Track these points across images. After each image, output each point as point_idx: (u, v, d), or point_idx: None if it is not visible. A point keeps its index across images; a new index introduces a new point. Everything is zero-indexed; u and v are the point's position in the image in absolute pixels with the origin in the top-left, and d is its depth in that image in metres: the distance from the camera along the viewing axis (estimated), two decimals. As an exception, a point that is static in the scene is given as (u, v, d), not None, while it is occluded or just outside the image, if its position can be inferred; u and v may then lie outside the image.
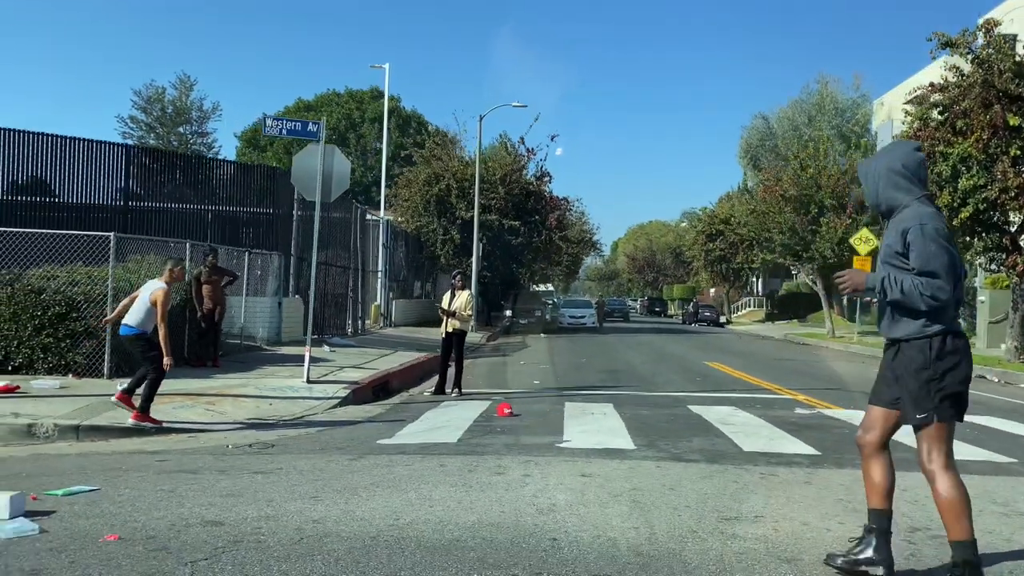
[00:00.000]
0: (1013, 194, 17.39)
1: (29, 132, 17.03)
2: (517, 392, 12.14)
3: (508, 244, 32.25)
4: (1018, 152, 17.39)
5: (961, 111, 18.23)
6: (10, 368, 10.58)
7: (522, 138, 34.31)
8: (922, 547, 4.38)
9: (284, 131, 11.59)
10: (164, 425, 8.12)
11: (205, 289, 12.75)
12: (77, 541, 4.17)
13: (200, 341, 12.78)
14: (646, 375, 15.64)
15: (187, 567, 3.80)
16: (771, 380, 14.79)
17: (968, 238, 19.28)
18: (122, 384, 8.35)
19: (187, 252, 12.66)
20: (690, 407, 10.46)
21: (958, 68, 18.61)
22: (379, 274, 27.08)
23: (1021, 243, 18.77)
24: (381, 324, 26.19)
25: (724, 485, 5.84)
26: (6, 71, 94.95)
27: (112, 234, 10.97)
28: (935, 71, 22.54)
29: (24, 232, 11.46)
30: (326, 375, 12.26)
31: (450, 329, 11.90)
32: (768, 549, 4.26)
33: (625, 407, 10.29)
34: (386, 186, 34.57)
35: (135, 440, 7.69)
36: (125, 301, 8.49)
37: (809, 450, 7.45)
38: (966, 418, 3.89)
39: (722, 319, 51.77)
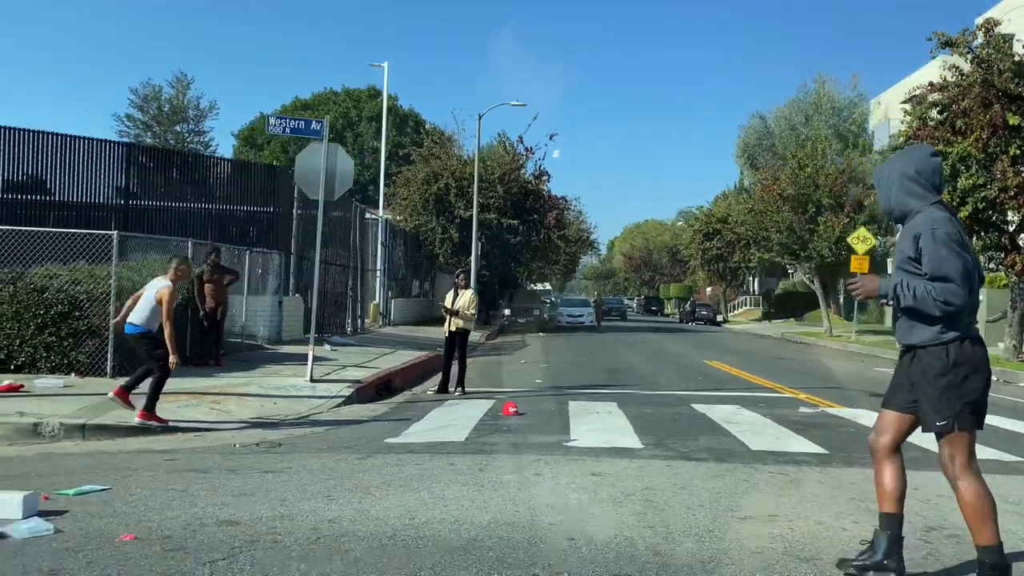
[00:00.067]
0: (1012, 193, 17.42)
1: (27, 130, 16.96)
2: (520, 391, 12.13)
3: (506, 243, 32.25)
4: (1017, 151, 17.42)
5: (960, 110, 18.25)
6: (12, 367, 10.54)
7: (520, 137, 34.47)
8: (939, 547, 4.38)
9: (287, 130, 11.55)
10: (170, 424, 8.09)
11: (207, 288, 12.72)
12: (93, 541, 4.16)
13: (202, 340, 12.74)
14: (647, 374, 15.64)
15: (206, 567, 3.79)
16: (772, 379, 14.81)
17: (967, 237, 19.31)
18: (123, 381, 8.34)
19: (189, 251, 12.61)
20: (694, 406, 10.47)
21: (958, 68, 18.65)
22: (378, 273, 27.06)
23: (1020, 242, 18.82)
24: (380, 323, 26.17)
25: (735, 484, 5.84)
26: (4, 71, 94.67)
27: (115, 233, 10.94)
28: (933, 71, 22.59)
29: (26, 230, 11.43)
30: (329, 374, 12.23)
31: (453, 328, 11.89)
32: (786, 548, 4.26)
33: (629, 406, 10.29)
34: (384, 185, 34.53)
35: (142, 439, 7.67)
36: (129, 301, 8.45)
37: (817, 449, 7.46)
38: None
39: (719, 318, 51.83)
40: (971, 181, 17.81)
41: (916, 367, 3.72)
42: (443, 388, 11.78)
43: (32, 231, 11.46)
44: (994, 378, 17.74)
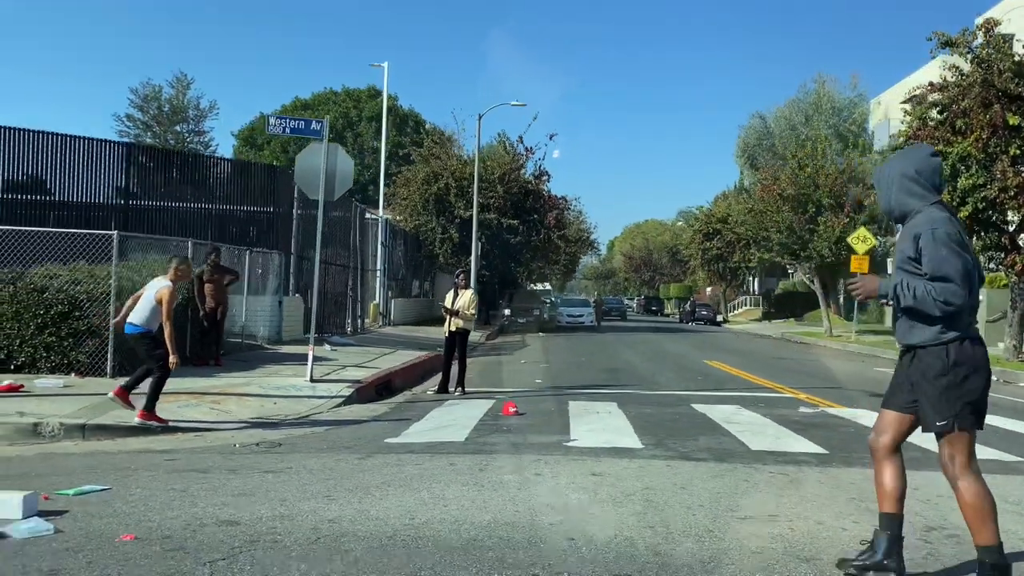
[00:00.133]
0: (1012, 193, 17.42)
1: (27, 130, 16.95)
2: (520, 391, 12.13)
3: (506, 243, 32.25)
4: (1017, 151, 17.42)
5: (960, 110, 18.25)
6: (12, 367, 10.54)
7: (521, 137, 34.48)
8: (939, 546, 4.38)
9: (288, 130, 11.55)
10: (170, 424, 8.09)
11: (208, 288, 12.72)
12: (93, 541, 4.16)
13: (202, 340, 12.74)
14: (647, 374, 15.64)
15: (206, 567, 3.79)
16: (771, 379, 14.81)
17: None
18: (123, 381, 8.34)
19: (189, 251, 12.61)
20: (694, 406, 10.47)
21: (958, 68, 18.65)
22: (377, 273, 27.06)
23: (1020, 242, 18.82)
24: (380, 323, 26.17)
25: (735, 484, 5.84)
26: (4, 71, 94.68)
27: (115, 232, 10.93)
28: (932, 71, 22.58)
29: (26, 230, 11.43)
30: (329, 374, 12.23)
31: (453, 328, 11.88)
32: (786, 548, 4.26)
33: (629, 406, 10.29)
34: (384, 185, 34.53)
35: (142, 439, 7.67)
36: (129, 301, 8.45)
37: (816, 449, 7.46)
38: None
39: (719, 318, 51.84)
40: (971, 181, 17.82)
41: (916, 367, 3.72)
42: (443, 388, 11.78)
43: (32, 231, 11.46)
44: (994, 378, 17.72)
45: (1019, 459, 7.22)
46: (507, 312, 36.32)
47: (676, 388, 12.95)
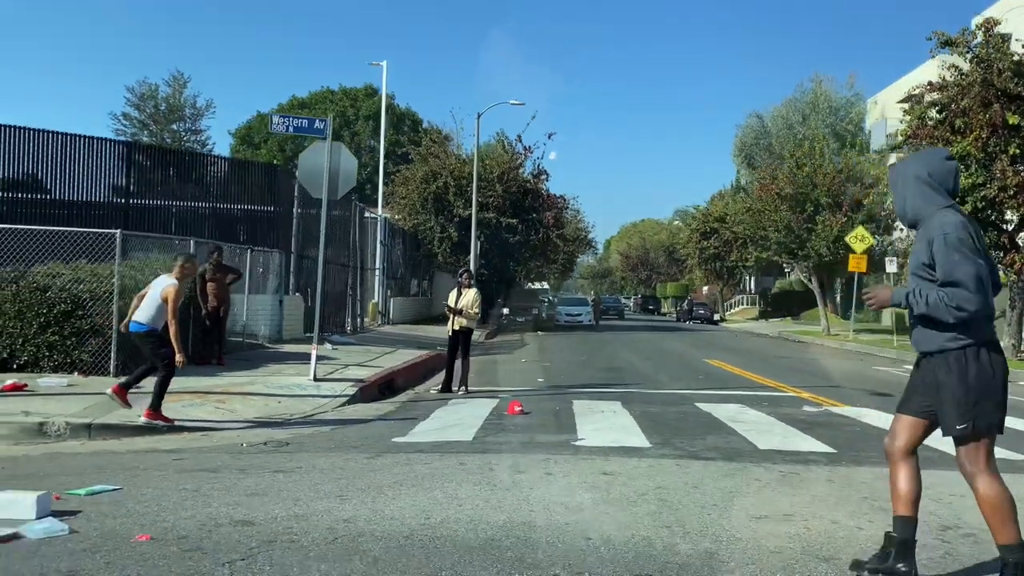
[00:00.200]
0: (1012, 192, 17.49)
1: (26, 128, 16.85)
2: (523, 390, 12.12)
3: (505, 242, 32.23)
4: (1017, 151, 17.48)
5: (960, 110, 18.30)
6: (15, 366, 10.50)
7: (519, 136, 34.32)
8: (956, 546, 4.39)
9: (291, 128, 11.51)
10: (176, 423, 8.07)
11: (210, 287, 12.68)
12: (110, 542, 4.14)
13: (204, 339, 12.70)
14: (648, 373, 15.65)
15: (225, 567, 3.77)
16: (773, 377, 14.82)
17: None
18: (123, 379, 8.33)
19: (191, 250, 12.57)
20: (698, 404, 10.47)
21: (957, 67, 18.69)
22: (377, 272, 27.02)
23: (1019, 241, 18.89)
24: (379, 322, 26.14)
25: (747, 483, 5.84)
26: (2, 70, 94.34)
27: (118, 231, 10.90)
28: (930, 70, 22.62)
29: (28, 229, 11.38)
30: (332, 373, 12.21)
31: (456, 327, 11.86)
32: (804, 548, 4.26)
33: (633, 405, 10.30)
34: (383, 183, 34.49)
35: (148, 438, 7.64)
36: (135, 300, 8.41)
37: (825, 448, 7.47)
38: None
39: (716, 317, 51.89)
40: (971, 180, 17.86)
41: (933, 373, 3.70)
42: (446, 387, 11.76)
43: (35, 230, 11.41)
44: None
45: (1026, 458, 7.23)
46: (505, 311, 36.31)
47: (678, 387, 12.95)
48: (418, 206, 31.98)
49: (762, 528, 4.62)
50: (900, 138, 21.16)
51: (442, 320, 12.03)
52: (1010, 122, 17.31)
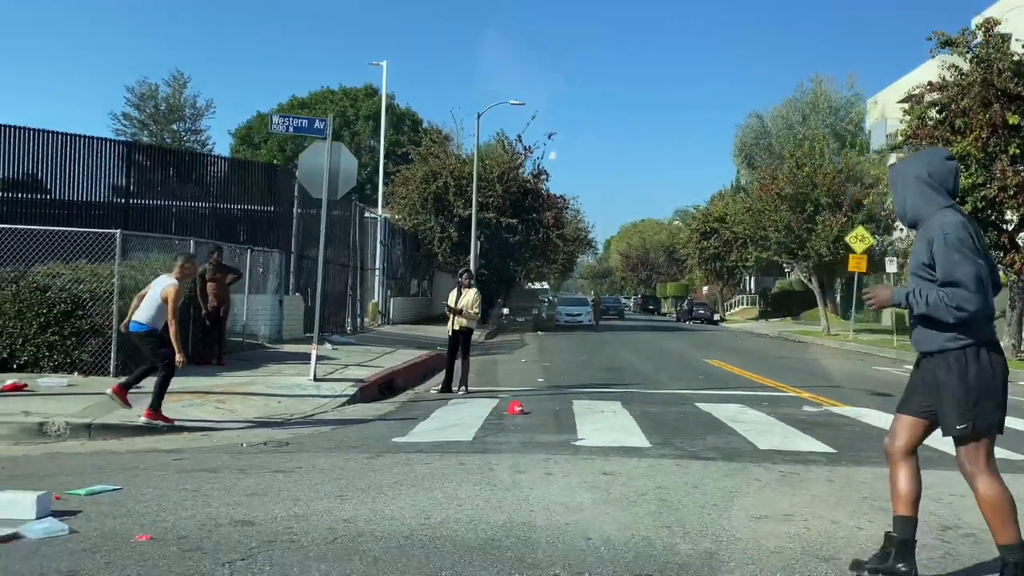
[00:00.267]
0: (1012, 192, 17.49)
1: (25, 128, 16.85)
2: (522, 390, 12.12)
3: (505, 242, 32.22)
4: (1017, 151, 17.48)
5: (960, 110, 18.29)
6: (15, 366, 10.50)
7: (519, 136, 34.29)
8: (956, 546, 4.39)
9: (291, 128, 11.51)
10: (176, 423, 8.07)
11: (210, 287, 12.68)
12: (110, 542, 4.14)
13: (204, 339, 12.70)
14: (648, 373, 15.65)
15: (225, 567, 3.77)
16: (773, 378, 14.82)
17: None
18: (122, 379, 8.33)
19: (191, 249, 12.57)
20: (698, 404, 10.47)
21: (957, 67, 18.68)
22: (376, 272, 27.02)
23: (1019, 241, 18.88)
24: (379, 322, 26.14)
25: (747, 483, 5.84)
26: (1, 68, 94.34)
27: (118, 231, 10.90)
28: (930, 70, 22.62)
29: (28, 229, 11.38)
30: (332, 373, 12.21)
31: (456, 327, 11.86)
32: (804, 548, 4.26)
33: (633, 405, 10.30)
34: (382, 183, 34.49)
35: (148, 438, 7.64)
36: (135, 300, 8.41)
37: (824, 448, 7.47)
38: None
39: (716, 317, 51.90)
40: (970, 180, 17.86)
41: (933, 373, 3.70)
42: (446, 387, 11.76)
43: (35, 229, 11.41)
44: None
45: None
46: (505, 311, 36.31)
47: (678, 387, 12.95)
48: (418, 206, 31.98)
49: (762, 528, 4.62)
50: (900, 138, 21.16)
51: (442, 320, 12.03)
52: (1010, 122, 17.31)
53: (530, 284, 57.99)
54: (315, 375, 11.21)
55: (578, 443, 7.47)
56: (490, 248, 31.97)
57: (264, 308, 16.69)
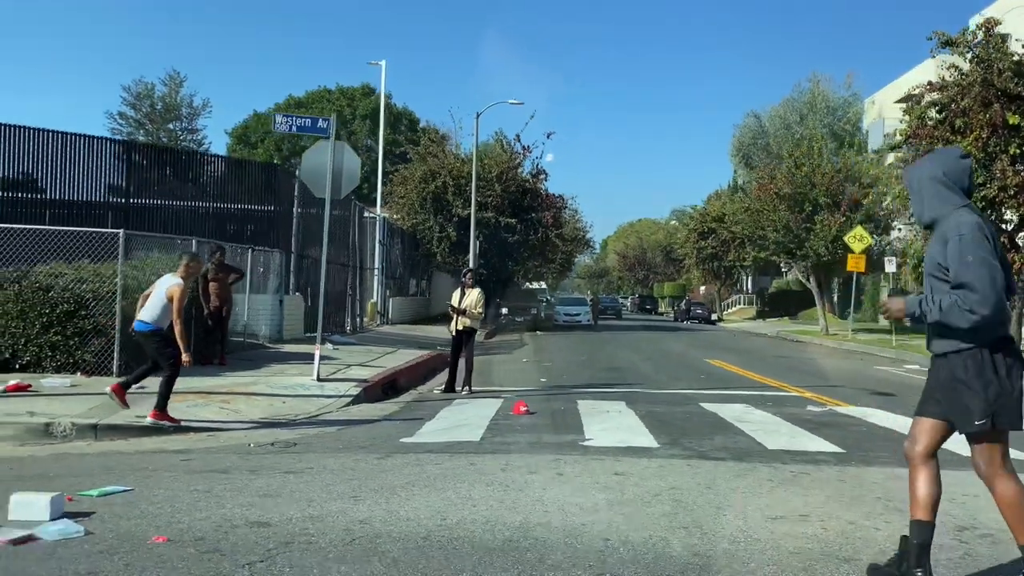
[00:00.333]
0: (1012, 192, 17.50)
1: (23, 127, 16.78)
2: (526, 390, 12.10)
3: (504, 242, 32.16)
4: (1017, 151, 17.48)
5: (960, 110, 18.30)
6: (17, 366, 10.44)
7: (518, 135, 34.17)
8: (975, 546, 4.38)
9: (294, 128, 11.47)
10: (182, 424, 8.03)
11: (212, 286, 12.64)
12: (126, 543, 4.11)
13: (206, 339, 12.64)
14: (650, 372, 15.65)
15: (244, 569, 3.75)
16: (775, 377, 14.82)
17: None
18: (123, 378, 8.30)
19: (194, 249, 12.51)
20: (702, 404, 10.47)
21: (957, 67, 18.70)
22: (375, 271, 26.98)
23: (1019, 241, 18.91)
24: (378, 322, 26.10)
25: (759, 483, 5.83)
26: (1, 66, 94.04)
27: (121, 231, 10.85)
28: (928, 70, 22.66)
29: (30, 229, 11.33)
30: (334, 373, 12.18)
31: (460, 327, 11.85)
32: (823, 549, 4.25)
33: (638, 404, 10.29)
34: (381, 183, 34.43)
35: (155, 439, 7.60)
36: (140, 300, 8.37)
37: (833, 448, 7.46)
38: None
39: (713, 316, 51.93)
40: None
41: (949, 372, 3.69)
42: (450, 387, 11.74)
43: (37, 229, 11.36)
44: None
45: (1035, 458, 7.22)
46: (504, 311, 36.29)
47: (681, 387, 12.95)
48: (417, 206, 31.91)
49: (779, 529, 4.61)
50: (900, 138, 21.16)
51: (441, 320, 12.03)
52: (1010, 122, 17.31)
53: (528, 284, 57.97)
54: (318, 375, 11.18)
55: (586, 443, 7.46)
56: (489, 248, 31.93)
57: (264, 308, 16.64)
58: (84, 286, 10.61)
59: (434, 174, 31.78)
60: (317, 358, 11.31)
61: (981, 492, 4.09)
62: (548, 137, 40.34)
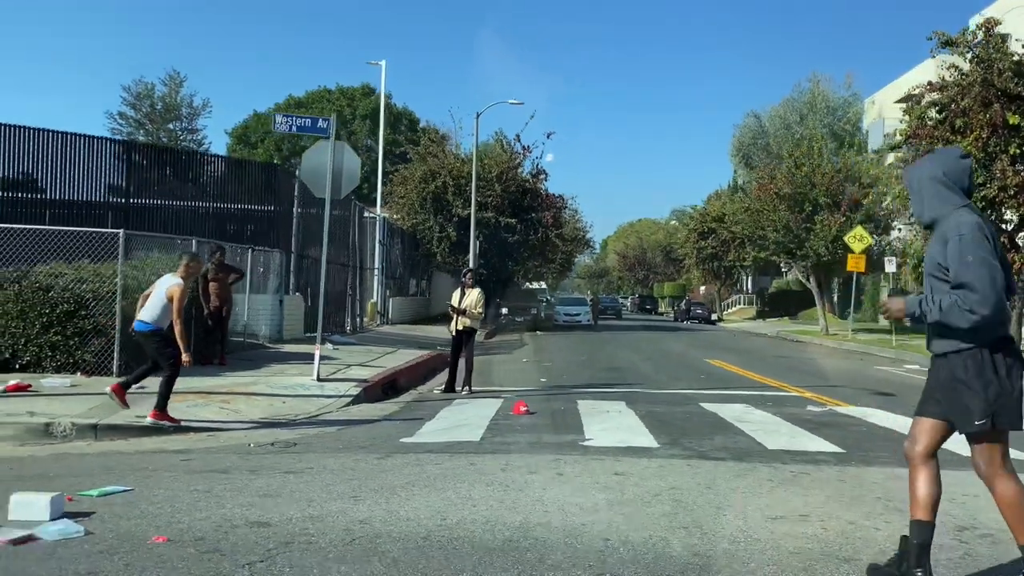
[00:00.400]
0: (1012, 192, 17.50)
1: (22, 127, 16.78)
2: (526, 390, 12.11)
3: (504, 242, 32.16)
4: (1017, 151, 17.49)
5: (960, 110, 18.31)
6: (17, 366, 10.44)
7: (518, 135, 34.16)
8: (975, 546, 4.38)
9: (294, 127, 11.47)
10: (182, 424, 8.03)
11: (212, 286, 12.64)
12: (126, 543, 4.11)
13: (206, 339, 12.64)
14: (650, 372, 15.65)
15: (244, 569, 3.75)
16: (775, 377, 14.82)
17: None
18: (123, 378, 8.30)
19: (194, 249, 12.52)
20: (702, 404, 10.47)
21: (957, 67, 18.70)
22: (375, 271, 26.99)
23: (1019, 241, 18.91)
24: (378, 322, 26.10)
25: (759, 483, 5.83)
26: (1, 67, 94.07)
27: (121, 231, 10.85)
28: (927, 70, 22.66)
29: (29, 229, 11.33)
30: (334, 373, 12.18)
31: (460, 327, 11.85)
32: (823, 549, 4.25)
33: (638, 404, 10.29)
34: (381, 183, 34.43)
35: (155, 439, 7.60)
36: (140, 300, 8.37)
37: (833, 448, 7.46)
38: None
39: (713, 316, 51.93)
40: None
41: (949, 372, 3.69)
42: (450, 387, 11.74)
43: (36, 229, 11.36)
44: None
45: (1035, 458, 7.22)
46: (504, 311, 36.29)
47: (681, 387, 12.95)
48: (416, 206, 31.90)
49: (779, 529, 4.61)
50: (900, 138, 21.17)
51: (440, 320, 12.03)
52: (1010, 122, 17.31)
53: (528, 284, 57.97)
54: (318, 375, 11.18)
55: (586, 443, 7.46)
56: (489, 248, 31.92)
57: (264, 308, 16.64)
58: (84, 286, 10.61)
59: (434, 174, 31.78)
60: (317, 358, 11.31)
61: (981, 492, 4.09)
62: (548, 137, 40.35)
